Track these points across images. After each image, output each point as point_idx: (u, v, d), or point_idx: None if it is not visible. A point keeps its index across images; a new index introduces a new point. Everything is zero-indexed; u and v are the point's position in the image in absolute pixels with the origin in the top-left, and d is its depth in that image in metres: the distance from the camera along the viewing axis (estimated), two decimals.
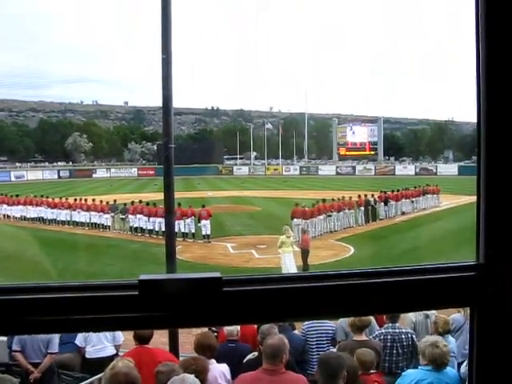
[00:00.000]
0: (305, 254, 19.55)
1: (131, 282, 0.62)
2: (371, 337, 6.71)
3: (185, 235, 25.42)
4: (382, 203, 31.45)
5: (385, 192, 33.15)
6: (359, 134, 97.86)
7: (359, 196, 30.91)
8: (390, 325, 6.77)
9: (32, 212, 32.32)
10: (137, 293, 0.62)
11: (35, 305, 0.62)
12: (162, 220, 22.60)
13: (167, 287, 0.63)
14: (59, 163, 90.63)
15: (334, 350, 6.29)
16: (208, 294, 0.63)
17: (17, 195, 35.00)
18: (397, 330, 6.73)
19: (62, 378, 7.74)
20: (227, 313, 0.63)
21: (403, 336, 6.70)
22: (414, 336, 6.72)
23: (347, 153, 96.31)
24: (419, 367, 5.39)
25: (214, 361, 5.55)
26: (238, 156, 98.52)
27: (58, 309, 0.61)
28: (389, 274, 0.62)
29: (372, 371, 5.70)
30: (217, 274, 0.63)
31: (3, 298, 0.61)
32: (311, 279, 0.63)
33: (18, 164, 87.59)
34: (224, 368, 5.63)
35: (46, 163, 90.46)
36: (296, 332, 7.61)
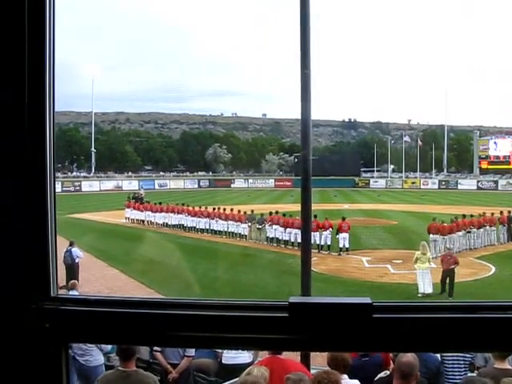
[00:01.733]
0: (446, 272, 18.80)
1: (281, 303, 0.62)
2: None
3: (320, 247, 25.39)
4: None
5: None
6: (503, 147, 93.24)
7: (502, 212, 29.41)
8: None
9: (173, 219, 33.74)
10: (286, 314, 0.62)
11: (187, 320, 0.63)
12: (297, 231, 22.76)
13: (317, 311, 0.62)
14: (200, 173, 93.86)
15: (473, 375, 5.98)
16: (357, 320, 0.62)
17: (160, 203, 36.70)
18: None
19: (197, 380, 8.01)
20: (376, 340, 0.61)
21: None
22: None
23: (489, 166, 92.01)
24: None
25: (345, 376, 5.48)
26: (375, 169, 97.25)
27: (209, 326, 0.62)
28: None
29: None
30: (367, 300, 0.61)
31: (158, 312, 0.64)
32: (463, 309, 0.60)
33: (161, 173, 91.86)
34: None
35: (188, 173, 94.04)
36: None
